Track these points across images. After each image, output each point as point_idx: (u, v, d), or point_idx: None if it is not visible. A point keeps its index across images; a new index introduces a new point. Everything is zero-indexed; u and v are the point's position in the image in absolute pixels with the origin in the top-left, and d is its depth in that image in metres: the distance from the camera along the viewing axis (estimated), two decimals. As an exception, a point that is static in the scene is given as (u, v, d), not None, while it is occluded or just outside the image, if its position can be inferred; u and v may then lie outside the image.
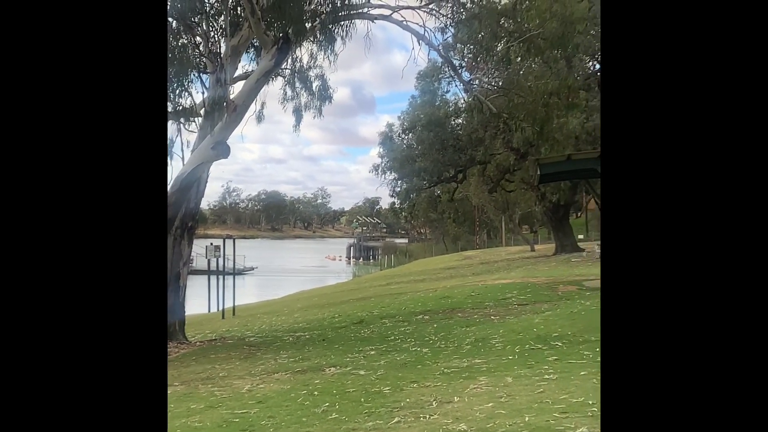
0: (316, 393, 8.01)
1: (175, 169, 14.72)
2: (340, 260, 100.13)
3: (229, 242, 29.28)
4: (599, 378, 7.03)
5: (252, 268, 66.33)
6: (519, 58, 18.69)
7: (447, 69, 29.71)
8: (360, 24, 16.52)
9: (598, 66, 38.20)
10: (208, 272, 30.41)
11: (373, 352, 11.08)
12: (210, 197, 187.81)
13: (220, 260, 28.68)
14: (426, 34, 16.88)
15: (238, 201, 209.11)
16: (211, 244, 27.30)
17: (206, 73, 15.91)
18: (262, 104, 18.32)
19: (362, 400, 7.35)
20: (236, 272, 32.29)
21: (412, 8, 16.79)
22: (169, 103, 13.76)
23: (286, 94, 18.53)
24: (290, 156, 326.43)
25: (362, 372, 9.20)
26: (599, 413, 5.69)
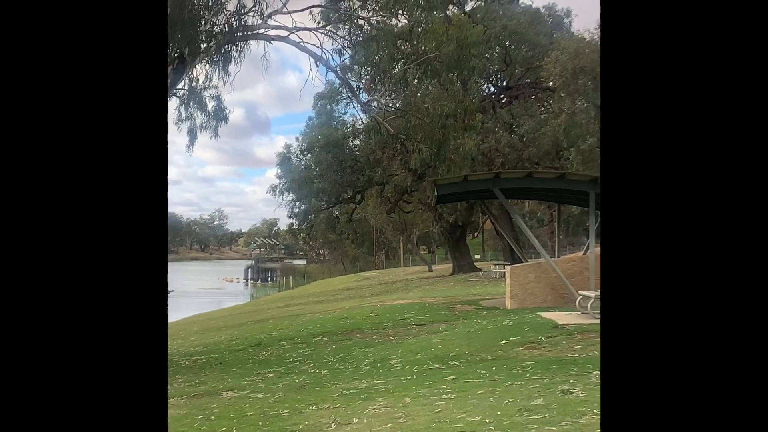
0: (213, 417, 7.87)
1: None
2: (238, 282, 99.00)
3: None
4: (496, 397, 7.10)
5: (168, 291, 64.68)
6: (416, 80, 18.91)
7: (345, 90, 29.83)
8: (254, 44, 16.44)
9: (492, 89, 39.03)
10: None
11: (271, 375, 10.95)
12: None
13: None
14: (323, 55, 16.92)
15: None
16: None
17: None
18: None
19: (260, 423, 7.25)
20: None
21: (310, 30, 16.80)
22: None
23: (180, 115, 18.28)
24: (184, 177, 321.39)
25: (260, 395, 9.08)
26: None
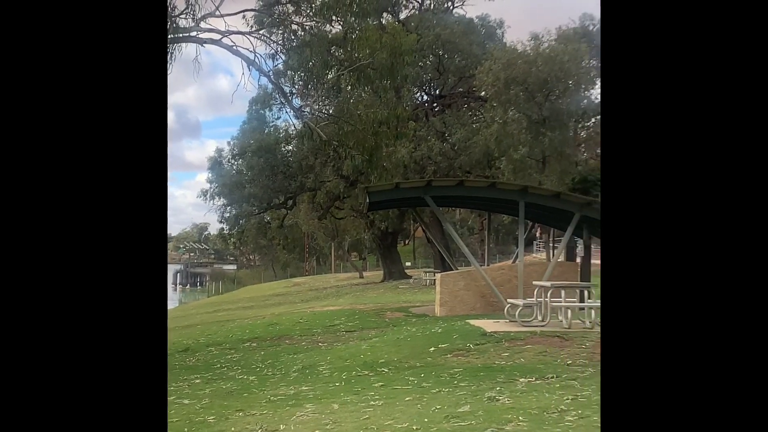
0: (137, 424, 7.73)
1: None
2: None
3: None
4: (423, 403, 7.13)
5: None
6: (349, 87, 18.94)
7: (278, 95, 29.70)
8: (186, 47, 16.27)
9: (425, 97, 39.26)
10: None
11: (198, 381, 10.82)
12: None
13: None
14: (256, 59, 16.83)
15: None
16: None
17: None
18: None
19: (186, 430, 7.16)
20: None
21: (243, 33, 16.72)
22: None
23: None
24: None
25: (186, 401, 8.96)
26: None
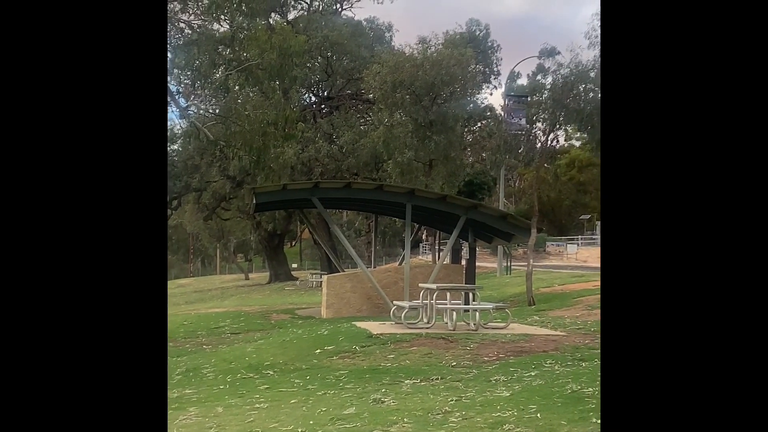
0: None
1: None
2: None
3: None
4: (309, 406, 7.10)
5: None
6: (237, 87, 18.78)
7: (163, 93, 29.14)
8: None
9: (314, 98, 39.22)
10: None
11: (77, 386, 10.52)
12: None
13: None
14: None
15: None
16: None
17: None
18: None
19: (63, 437, 6.95)
20: None
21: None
22: None
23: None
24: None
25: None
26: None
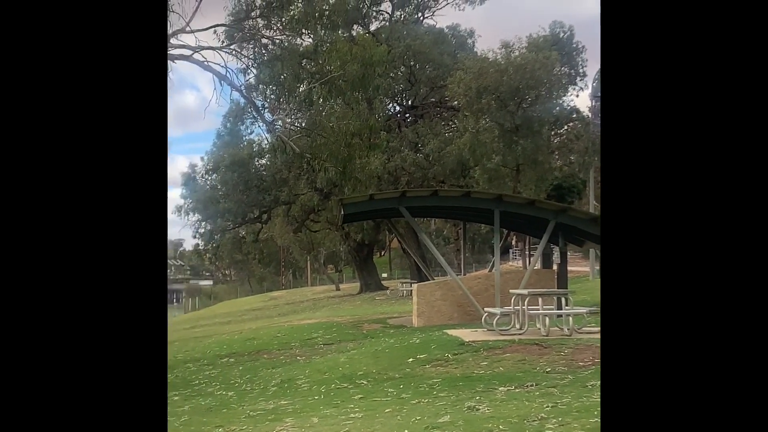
0: (114, 444, 7.65)
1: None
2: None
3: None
4: (403, 415, 7.09)
5: None
6: (321, 99, 18.92)
7: (250, 110, 29.65)
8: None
9: (397, 108, 39.31)
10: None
11: (176, 398, 10.74)
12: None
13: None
14: (228, 74, 16.78)
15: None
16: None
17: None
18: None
19: (164, 449, 7.08)
20: None
21: (214, 49, 16.67)
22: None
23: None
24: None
25: (164, 420, 8.87)
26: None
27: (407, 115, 39.18)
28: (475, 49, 37.29)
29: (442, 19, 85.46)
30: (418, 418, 6.93)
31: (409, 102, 39.37)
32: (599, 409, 6.30)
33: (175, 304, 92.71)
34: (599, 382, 8.24)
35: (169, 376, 13.75)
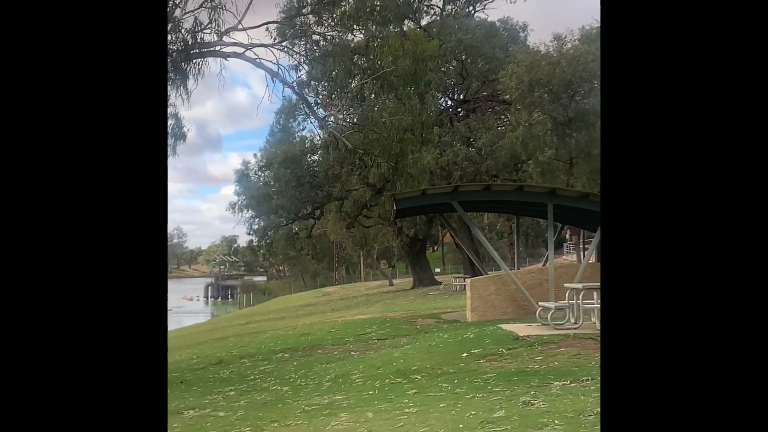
0: (173, 438, 7.76)
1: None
2: (198, 300, 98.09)
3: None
4: (458, 410, 7.07)
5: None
6: (373, 95, 18.93)
7: (302, 106, 29.79)
8: (207, 62, 16.34)
9: (449, 102, 39.17)
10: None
11: (232, 393, 10.84)
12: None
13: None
14: (280, 71, 16.88)
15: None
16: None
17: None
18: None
19: (221, 443, 7.17)
20: None
21: (266, 46, 16.77)
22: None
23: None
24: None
25: (222, 413, 8.98)
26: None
27: (459, 109, 39.06)
28: (527, 42, 37.04)
29: (493, 12, 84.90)
30: (472, 412, 6.91)
31: (461, 96, 39.23)
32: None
33: (230, 300, 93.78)
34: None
35: (224, 371, 13.93)
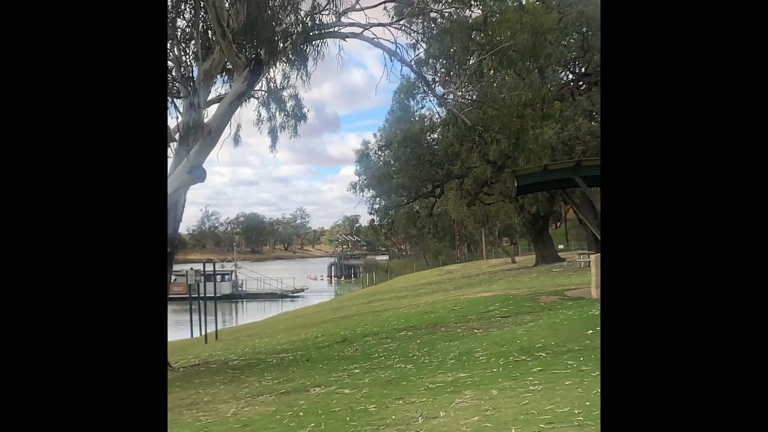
0: (301, 414, 7.95)
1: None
2: (322, 280, 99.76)
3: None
4: (584, 387, 6.98)
5: (302, 290, 67.51)
6: (492, 71, 18.75)
7: (421, 84, 29.76)
8: (326, 43, 16.49)
9: (570, 76, 38.43)
10: (189, 297, 30.01)
11: (357, 371, 11.01)
12: (188, 222, 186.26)
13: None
14: (398, 50, 16.90)
15: (216, 225, 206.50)
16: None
17: (179, 97, 15.88)
18: (238, 126, 18.26)
19: (348, 419, 7.29)
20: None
21: (384, 25, 16.81)
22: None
23: (260, 116, 18.50)
24: (261, 178, 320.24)
25: (347, 390, 9.14)
26: (589, 422, 5.68)
27: (581, 83, 38.26)
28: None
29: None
30: (598, 390, 6.81)
31: (583, 69, 38.40)
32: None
33: (353, 279, 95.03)
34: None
35: (349, 349, 14.15)
